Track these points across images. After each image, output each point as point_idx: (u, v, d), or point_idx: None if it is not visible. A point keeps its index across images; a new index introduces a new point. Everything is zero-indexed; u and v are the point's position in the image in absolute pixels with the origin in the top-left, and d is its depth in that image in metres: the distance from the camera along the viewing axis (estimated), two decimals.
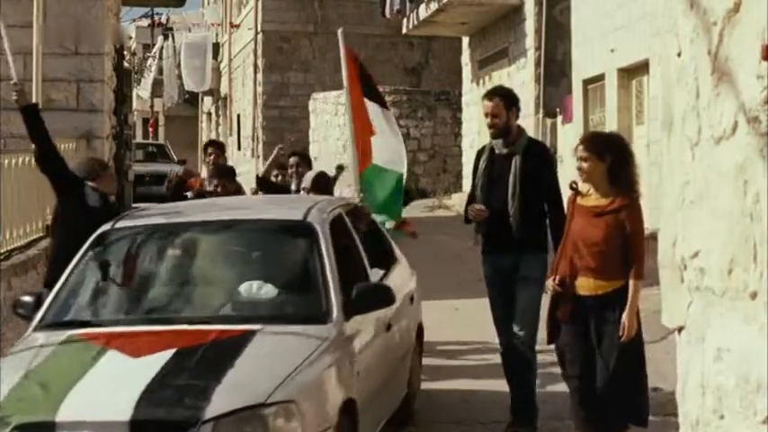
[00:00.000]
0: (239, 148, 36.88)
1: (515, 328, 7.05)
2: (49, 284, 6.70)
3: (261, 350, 5.42)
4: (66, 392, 5.03)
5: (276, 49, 33.09)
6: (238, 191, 9.85)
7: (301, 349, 5.45)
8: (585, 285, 6.18)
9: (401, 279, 7.54)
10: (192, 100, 46.35)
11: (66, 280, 6.35)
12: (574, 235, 6.25)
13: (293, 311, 6.00)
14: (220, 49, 41.03)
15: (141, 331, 5.88)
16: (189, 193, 10.07)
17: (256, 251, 6.62)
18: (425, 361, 8.36)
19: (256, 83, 33.58)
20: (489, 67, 23.79)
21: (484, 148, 7.45)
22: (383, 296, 6.16)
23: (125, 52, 18.49)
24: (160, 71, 45.98)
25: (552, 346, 6.44)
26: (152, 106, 50.60)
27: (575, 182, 6.31)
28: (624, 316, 6.04)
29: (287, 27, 33.21)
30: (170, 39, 44.51)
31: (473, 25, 23.98)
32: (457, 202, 21.80)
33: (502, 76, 22.46)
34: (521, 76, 21.06)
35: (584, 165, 6.20)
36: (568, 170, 11.78)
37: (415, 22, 25.14)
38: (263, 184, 10.16)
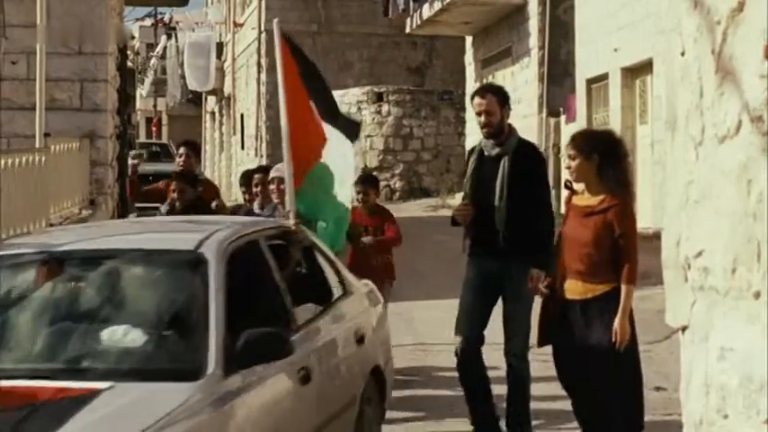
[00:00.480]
0: (243, 148, 36.91)
1: (506, 341, 6.77)
2: None
3: (95, 416, 4.20)
4: None
5: None
6: (200, 199, 9.07)
7: (149, 415, 4.18)
8: (574, 289, 5.95)
9: (347, 315, 6.34)
10: (195, 99, 46.43)
11: None
12: (566, 236, 6.07)
13: (157, 365, 4.75)
14: (224, 49, 41.07)
15: None
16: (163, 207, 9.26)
17: (131, 288, 5.34)
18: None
19: (260, 82, 33.60)
20: (493, 67, 23.79)
21: (474, 149, 7.10)
22: (277, 346, 4.81)
23: (128, 52, 18.52)
24: (163, 71, 46.08)
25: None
26: (155, 106, 50.67)
27: (569, 180, 6.17)
28: (616, 322, 5.80)
29: (290, 26, 33.13)
30: (173, 38, 44.60)
31: (476, 25, 23.98)
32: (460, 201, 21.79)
33: (505, 76, 22.45)
34: (524, 76, 21.05)
35: (572, 163, 6.02)
36: None
37: (419, 22, 25.15)
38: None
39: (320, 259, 6.48)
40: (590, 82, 18.19)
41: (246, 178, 9.24)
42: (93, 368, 4.70)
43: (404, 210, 22.36)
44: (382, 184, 28.32)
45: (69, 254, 5.50)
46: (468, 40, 25.86)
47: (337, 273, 6.54)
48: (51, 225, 11.54)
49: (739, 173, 1.97)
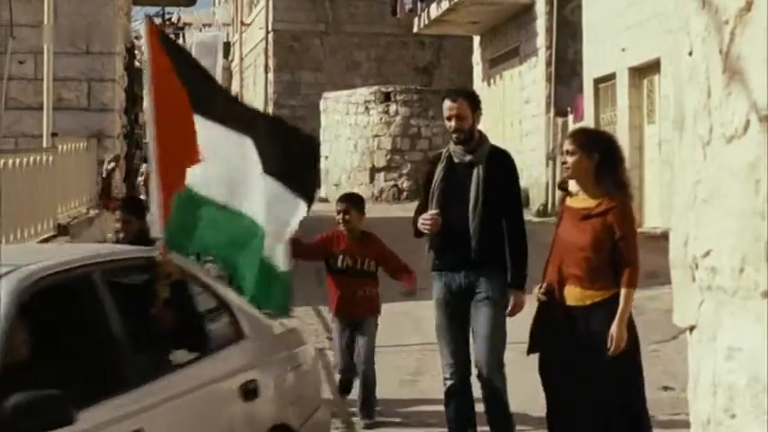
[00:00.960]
0: None
1: (479, 355, 6.33)
2: None
3: None
4: None
5: (287, 49, 33.16)
6: (143, 231, 6.93)
7: None
8: (573, 295, 5.68)
9: (230, 365, 5.10)
10: None
11: None
12: (561, 239, 5.80)
13: None
14: (231, 49, 41.13)
15: None
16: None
17: None
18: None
19: (267, 82, 33.65)
20: (500, 66, 23.80)
21: (439, 155, 6.61)
22: (53, 412, 3.77)
23: (136, 51, 18.55)
24: None
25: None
26: None
27: (564, 181, 5.97)
28: (613, 326, 5.54)
29: (298, 26, 33.26)
30: (181, 38, 44.60)
31: (484, 24, 24.00)
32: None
33: (513, 75, 22.47)
34: (531, 75, 21.05)
35: (570, 159, 5.73)
36: None
37: (426, 22, 25.18)
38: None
39: (197, 298, 5.30)
40: (597, 81, 18.19)
41: None
42: None
43: (411, 209, 22.33)
44: (390, 183, 28.49)
45: None
46: (476, 39, 25.87)
47: (229, 313, 5.29)
48: (59, 225, 11.57)
49: (747, 172, 1.96)
